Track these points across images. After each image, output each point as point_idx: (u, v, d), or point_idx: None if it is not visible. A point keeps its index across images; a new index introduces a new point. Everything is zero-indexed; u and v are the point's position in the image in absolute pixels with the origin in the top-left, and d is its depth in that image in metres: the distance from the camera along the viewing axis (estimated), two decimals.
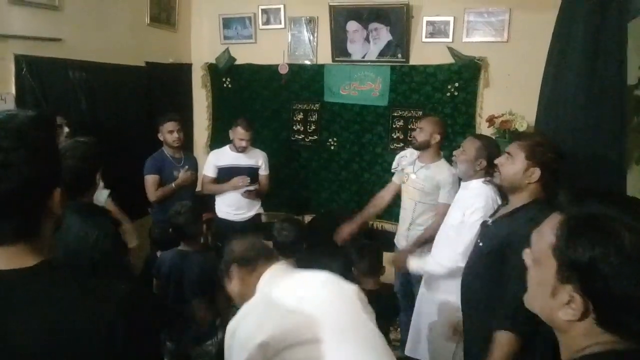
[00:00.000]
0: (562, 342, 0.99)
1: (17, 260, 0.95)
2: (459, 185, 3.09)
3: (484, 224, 2.39)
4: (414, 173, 3.49)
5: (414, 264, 2.93)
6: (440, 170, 3.40)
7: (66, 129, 3.29)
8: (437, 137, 3.42)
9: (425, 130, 3.42)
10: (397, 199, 3.75)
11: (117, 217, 3.47)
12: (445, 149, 3.70)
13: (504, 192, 2.34)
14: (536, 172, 2.09)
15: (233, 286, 1.80)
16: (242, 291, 1.74)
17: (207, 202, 4.23)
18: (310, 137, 5.01)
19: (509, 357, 1.97)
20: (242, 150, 4.04)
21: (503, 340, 1.97)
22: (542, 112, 3.12)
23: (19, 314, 0.91)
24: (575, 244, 0.91)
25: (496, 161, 2.27)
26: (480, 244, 2.30)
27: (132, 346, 0.95)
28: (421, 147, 3.44)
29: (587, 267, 0.89)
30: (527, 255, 1.05)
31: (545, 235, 0.99)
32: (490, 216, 2.39)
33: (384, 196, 3.76)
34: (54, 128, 1.05)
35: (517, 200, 2.17)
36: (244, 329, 1.50)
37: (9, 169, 0.91)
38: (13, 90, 3.36)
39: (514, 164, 2.15)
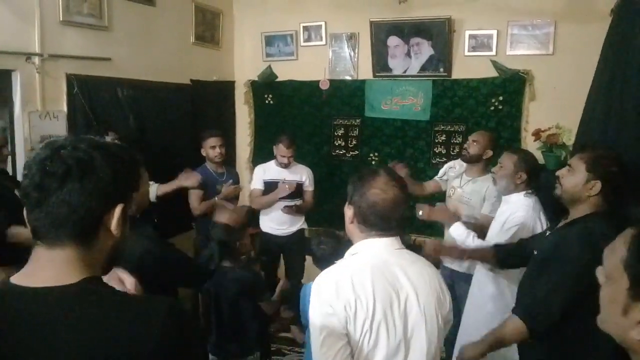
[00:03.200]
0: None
1: (63, 274, 0.96)
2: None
3: (542, 235, 2.35)
4: (460, 187, 3.44)
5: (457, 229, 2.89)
6: (487, 184, 3.35)
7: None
8: (490, 153, 3.39)
9: (479, 143, 3.38)
10: None
11: (174, 187, 3.71)
12: (492, 164, 3.64)
13: (562, 205, 2.28)
14: (597, 185, 2.03)
15: None
16: None
17: (251, 217, 4.27)
18: (351, 152, 5.01)
19: (509, 342, 2.10)
20: (285, 166, 4.08)
21: (513, 324, 2.05)
22: (590, 124, 3.03)
23: (61, 334, 0.92)
24: None
25: (557, 173, 2.22)
26: (535, 252, 2.25)
27: None
28: (472, 160, 3.40)
29: None
30: (600, 272, 1.01)
31: (617, 251, 0.95)
32: (550, 228, 2.34)
33: (425, 187, 3.80)
34: (134, 154, 1.10)
35: (577, 213, 2.12)
36: None
37: (85, 165, 0.96)
38: (65, 108, 3.50)
39: (574, 176, 2.09)
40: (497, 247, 2.61)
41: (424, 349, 1.53)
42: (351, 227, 1.66)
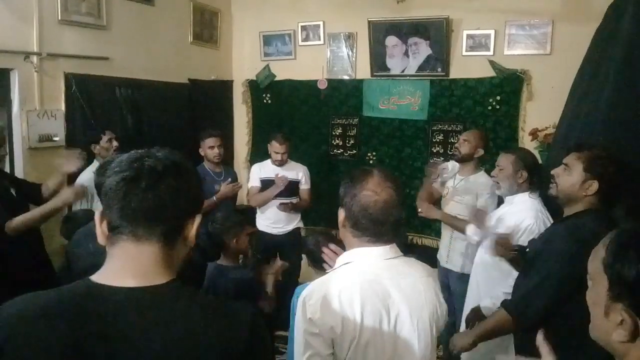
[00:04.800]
0: None
1: (148, 275, 0.98)
2: (497, 197, 3.04)
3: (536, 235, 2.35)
4: (454, 187, 3.45)
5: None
6: (479, 182, 3.35)
7: (115, 144, 3.42)
8: (481, 152, 3.38)
9: (470, 142, 3.38)
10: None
11: None
12: (487, 162, 3.64)
13: (557, 204, 2.27)
14: (594, 185, 2.01)
15: None
16: None
17: (249, 215, 4.27)
18: (349, 152, 5.02)
19: (497, 333, 2.17)
20: (279, 164, 4.09)
21: (499, 316, 2.11)
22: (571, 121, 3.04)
23: (157, 334, 0.93)
24: (623, 259, 0.89)
25: (552, 172, 2.19)
26: (527, 250, 2.26)
27: None
28: (464, 159, 3.41)
29: (634, 283, 0.86)
30: (589, 277, 1.02)
31: (598, 253, 0.96)
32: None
33: (434, 194, 3.71)
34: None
35: (571, 212, 2.11)
36: None
37: (178, 168, 1.01)
38: (63, 107, 3.51)
39: (571, 175, 2.07)
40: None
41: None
42: (343, 231, 1.55)
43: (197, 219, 1.05)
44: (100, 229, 1.01)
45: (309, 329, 1.38)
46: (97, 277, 0.98)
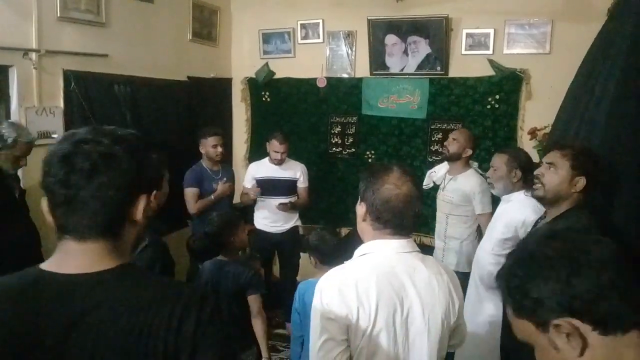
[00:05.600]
0: None
1: (97, 262, 0.99)
2: (490, 193, 3.05)
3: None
4: (444, 187, 3.48)
5: None
6: (468, 180, 3.37)
7: None
8: (469, 152, 3.41)
9: (459, 141, 3.40)
10: (433, 212, 3.72)
11: None
12: (486, 161, 3.65)
13: (543, 205, 2.27)
14: (581, 182, 2.04)
15: None
16: None
17: (246, 213, 4.27)
18: (348, 150, 5.02)
19: None
20: (278, 163, 4.09)
21: None
22: (567, 120, 3.05)
23: (99, 317, 0.94)
24: (518, 290, 0.91)
25: (536, 172, 2.20)
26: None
27: (202, 341, 0.99)
28: (452, 158, 3.43)
29: (540, 296, 0.88)
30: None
31: (510, 316, 0.98)
32: (533, 226, 2.35)
33: None
34: (155, 147, 1.13)
35: (558, 211, 2.12)
36: None
37: (110, 159, 0.98)
38: (62, 104, 3.50)
39: (557, 173, 2.09)
40: None
41: (425, 359, 1.51)
42: (363, 226, 1.59)
43: (142, 200, 1.04)
44: (49, 219, 1.02)
45: (326, 314, 1.44)
46: (46, 265, 1.00)
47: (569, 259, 0.87)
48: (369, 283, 1.46)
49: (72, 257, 0.99)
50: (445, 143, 3.55)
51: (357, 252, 1.60)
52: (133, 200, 1.02)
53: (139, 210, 1.03)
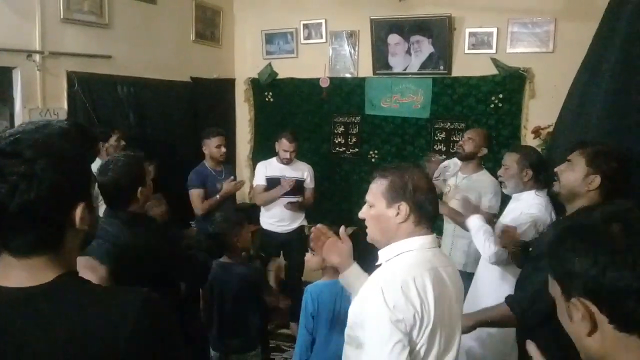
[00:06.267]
0: None
1: (36, 275, 0.94)
2: (501, 195, 3.04)
3: (540, 233, 2.35)
4: (456, 185, 3.45)
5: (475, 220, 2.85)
6: (482, 180, 3.35)
7: (122, 143, 3.47)
8: (484, 150, 3.38)
9: (474, 141, 3.37)
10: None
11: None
12: (490, 160, 3.64)
13: (560, 203, 2.27)
14: (596, 180, 2.02)
15: None
16: None
17: (250, 213, 4.28)
18: (351, 150, 5.02)
19: (496, 325, 2.22)
20: (286, 162, 4.09)
21: (502, 311, 2.12)
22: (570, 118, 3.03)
23: (36, 332, 0.90)
24: (561, 253, 0.90)
25: (556, 169, 2.21)
26: (530, 249, 2.26)
27: (156, 353, 0.95)
28: (467, 157, 3.40)
29: (577, 271, 0.87)
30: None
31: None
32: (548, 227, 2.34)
33: None
34: (86, 140, 1.02)
35: (574, 208, 2.11)
36: None
37: (30, 179, 0.89)
38: (65, 105, 3.51)
39: (573, 171, 2.09)
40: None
41: (457, 348, 1.57)
42: (403, 226, 1.58)
43: (79, 210, 0.96)
44: None
45: (393, 316, 1.41)
46: None
47: (614, 250, 0.85)
48: (423, 280, 1.47)
49: (12, 269, 0.94)
50: (460, 142, 3.52)
51: (392, 251, 1.59)
52: (67, 211, 0.95)
53: (78, 218, 0.97)
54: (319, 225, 2.00)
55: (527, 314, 2.02)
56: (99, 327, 0.91)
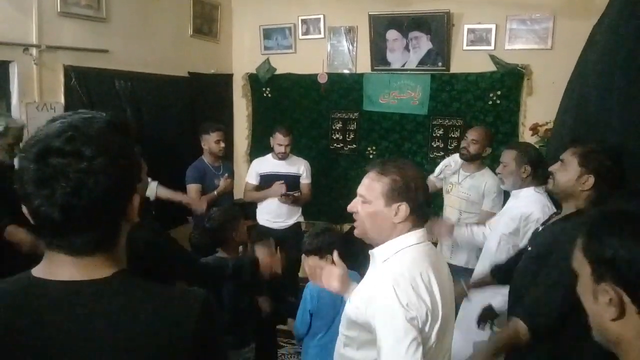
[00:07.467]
0: (624, 357, 0.93)
1: (96, 271, 0.93)
2: (503, 195, 3.04)
3: (535, 230, 2.34)
4: (458, 183, 3.45)
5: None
6: (485, 179, 3.36)
7: None
8: (488, 150, 3.41)
9: (480, 143, 3.39)
10: (437, 209, 3.70)
11: (173, 198, 3.70)
12: (487, 158, 3.64)
13: (557, 200, 2.27)
14: (590, 180, 2.01)
15: None
16: None
17: (247, 209, 4.27)
18: (349, 146, 5.01)
19: (514, 343, 1.95)
20: (282, 157, 4.08)
21: (514, 326, 1.92)
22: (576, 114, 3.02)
23: (99, 325, 0.90)
24: (600, 238, 0.91)
25: (550, 168, 2.20)
26: (529, 249, 2.25)
27: (210, 353, 0.98)
28: (473, 159, 3.42)
29: (613, 258, 0.88)
30: (575, 273, 1.02)
31: (577, 244, 0.98)
32: (543, 223, 2.33)
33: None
34: (129, 131, 1.01)
35: (570, 207, 2.11)
36: None
37: (95, 177, 0.88)
38: (62, 100, 3.49)
39: (566, 171, 2.08)
40: (495, 270, 2.56)
41: (452, 338, 1.59)
42: (400, 226, 1.56)
43: (135, 201, 0.97)
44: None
45: (408, 314, 1.40)
46: (36, 271, 0.94)
47: None
48: (428, 275, 1.48)
49: (66, 267, 0.93)
50: (464, 144, 3.49)
51: (390, 250, 1.57)
52: (126, 205, 0.96)
53: (135, 210, 0.98)
54: (310, 262, 2.05)
55: (538, 320, 1.89)
56: (163, 325, 0.93)
